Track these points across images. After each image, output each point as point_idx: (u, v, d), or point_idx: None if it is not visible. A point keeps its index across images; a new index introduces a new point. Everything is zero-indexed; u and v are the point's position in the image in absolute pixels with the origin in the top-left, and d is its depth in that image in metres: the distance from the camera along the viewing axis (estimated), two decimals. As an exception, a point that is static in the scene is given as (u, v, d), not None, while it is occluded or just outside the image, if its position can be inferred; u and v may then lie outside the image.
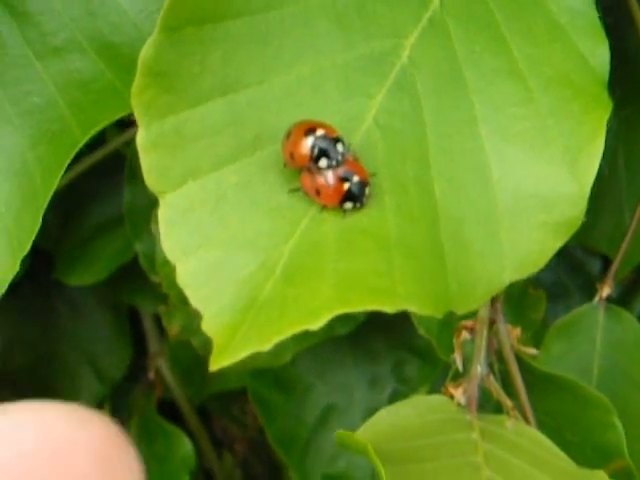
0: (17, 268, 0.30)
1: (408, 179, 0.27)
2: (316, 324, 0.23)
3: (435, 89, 0.28)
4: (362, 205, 0.26)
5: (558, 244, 0.27)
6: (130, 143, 0.46)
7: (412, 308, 0.25)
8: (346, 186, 0.26)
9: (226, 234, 0.26)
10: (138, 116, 0.26)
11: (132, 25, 0.31)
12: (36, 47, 0.31)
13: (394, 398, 0.51)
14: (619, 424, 0.33)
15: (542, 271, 0.27)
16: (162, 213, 0.26)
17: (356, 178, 0.26)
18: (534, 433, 0.31)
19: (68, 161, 0.31)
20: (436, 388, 0.42)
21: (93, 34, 0.31)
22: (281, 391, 0.52)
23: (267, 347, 0.24)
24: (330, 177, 0.26)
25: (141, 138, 0.26)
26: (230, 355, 0.24)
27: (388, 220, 0.26)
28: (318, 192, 0.26)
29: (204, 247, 0.26)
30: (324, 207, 0.26)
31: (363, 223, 0.26)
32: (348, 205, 0.26)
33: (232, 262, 0.26)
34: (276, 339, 0.24)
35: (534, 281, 0.46)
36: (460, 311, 0.26)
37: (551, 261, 0.27)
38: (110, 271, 0.51)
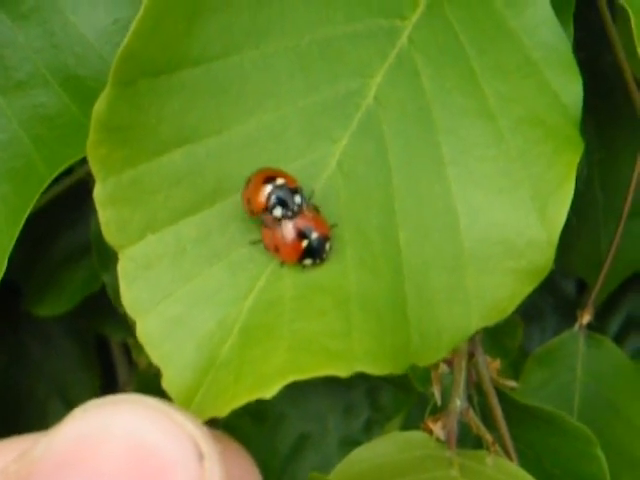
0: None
1: (372, 228, 0.26)
2: (268, 392, 0.23)
3: (401, 130, 0.27)
4: (322, 261, 0.25)
5: (527, 290, 0.27)
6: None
7: (370, 370, 0.24)
8: (304, 243, 0.25)
9: (185, 289, 0.26)
10: (94, 170, 0.25)
11: (97, 57, 0.31)
12: None
13: (369, 426, 0.50)
14: (602, 455, 0.33)
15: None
16: (121, 267, 0.26)
17: (315, 234, 0.25)
18: (515, 469, 0.31)
19: (34, 200, 0.30)
20: (411, 416, 0.42)
21: (57, 67, 0.31)
22: (253, 420, 0.51)
23: (223, 414, 0.23)
24: (288, 233, 0.25)
25: (98, 192, 0.26)
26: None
27: (349, 275, 0.26)
28: (277, 248, 0.25)
29: (163, 303, 0.26)
30: (283, 263, 0.26)
31: (322, 280, 0.25)
32: (307, 262, 0.25)
33: (192, 318, 0.25)
34: (231, 407, 0.23)
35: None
36: (423, 363, 0.26)
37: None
38: (77, 301, 0.51)
